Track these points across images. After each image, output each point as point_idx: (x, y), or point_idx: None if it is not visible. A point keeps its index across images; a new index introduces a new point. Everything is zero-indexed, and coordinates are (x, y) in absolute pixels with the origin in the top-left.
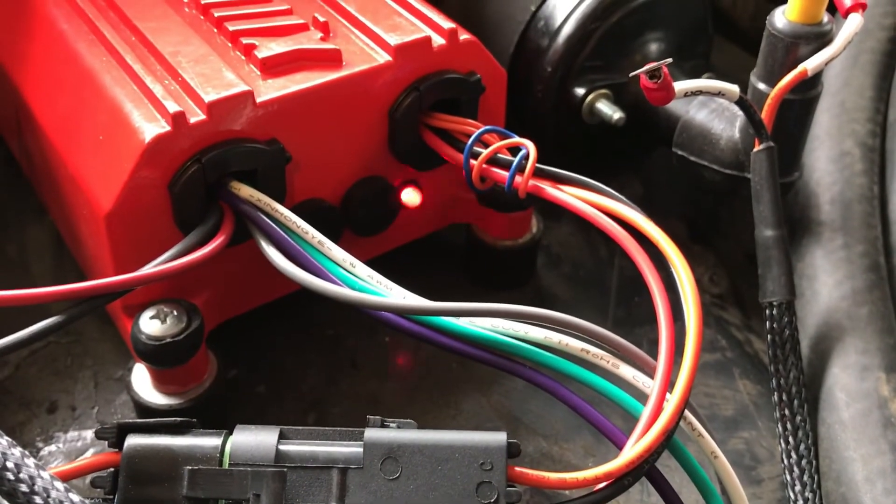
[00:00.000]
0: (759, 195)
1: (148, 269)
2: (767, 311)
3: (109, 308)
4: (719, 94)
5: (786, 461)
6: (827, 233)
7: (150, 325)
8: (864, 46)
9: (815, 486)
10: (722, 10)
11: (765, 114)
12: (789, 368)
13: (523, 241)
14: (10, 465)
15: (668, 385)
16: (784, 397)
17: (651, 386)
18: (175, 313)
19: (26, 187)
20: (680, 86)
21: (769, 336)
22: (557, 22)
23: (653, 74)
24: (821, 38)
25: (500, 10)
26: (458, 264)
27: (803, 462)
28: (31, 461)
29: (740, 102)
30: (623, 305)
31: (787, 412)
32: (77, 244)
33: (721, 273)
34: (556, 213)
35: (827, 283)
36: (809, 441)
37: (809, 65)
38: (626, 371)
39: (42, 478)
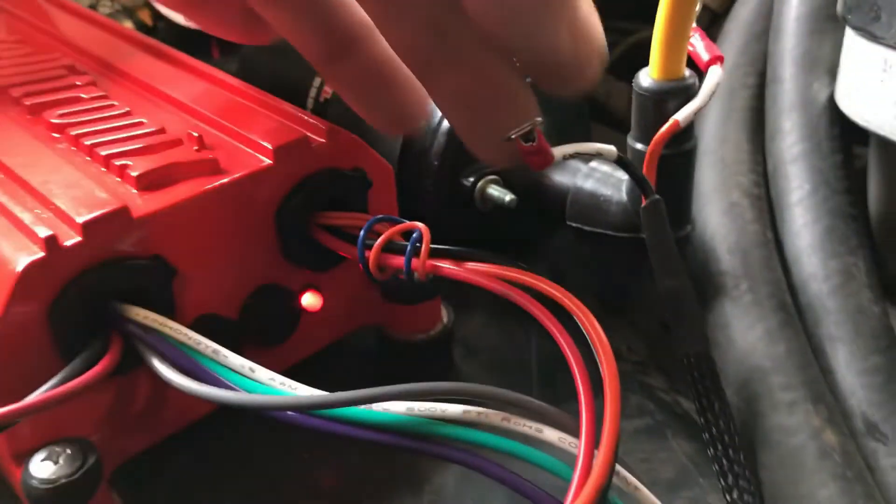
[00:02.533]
0: (655, 248)
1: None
2: (685, 362)
3: None
4: (598, 154)
5: None
6: (730, 281)
7: (42, 467)
8: (733, 105)
9: None
10: (598, 103)
11: (644, 169)
12: (718, 416)
13: (436, 333)
14: None
15: (594, 439)
16: (719, 447)
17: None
18: (69, 452)
19: None
20: (558, 150)
21: (693, 388)
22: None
23: (527, 137)
24: (685, 92)
25: None
26: (371, 369)
27: None
28: None
29: (619, 161)
30: (546, 384)
31: (724, 462)
32: None
33: (638, 343)
34: (468, 306)
35: (739, 328)
36: (752, 488)
37: (680, 115)
38: (551, 434)
39: None
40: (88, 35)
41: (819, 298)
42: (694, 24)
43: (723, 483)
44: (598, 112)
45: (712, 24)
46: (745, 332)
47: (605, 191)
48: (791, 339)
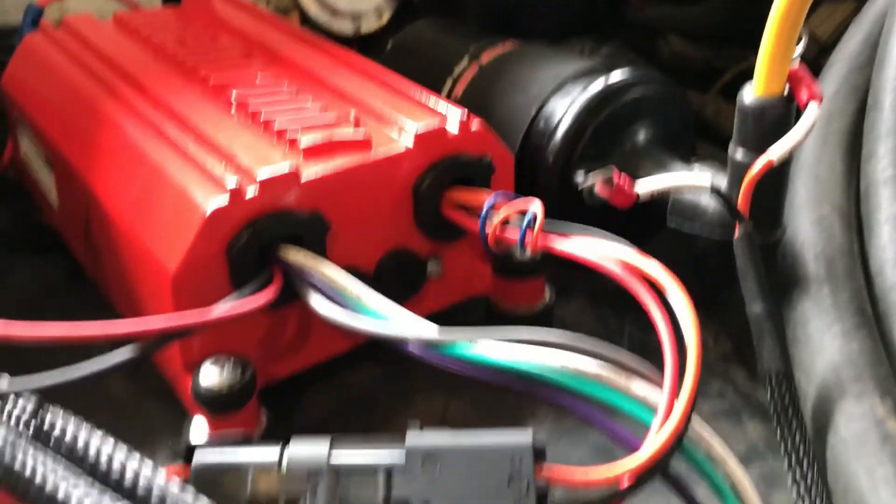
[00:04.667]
0: (745, 275)
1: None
2: (768, 380)
3: (170, 372)
4: (691, 187)
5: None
6: (814, 285)
7: (210, 374)
8: (831, 128)
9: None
10: (706, 121)
11: (741, 202)
12: (794, 432)
13: (538, 309)
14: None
15: (676, 392)
16: (794, 458)
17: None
18: (232, 363)
19: (92, 291)
20: (644, 187)
21: (772, 404)
22: (555, 120)
23: (607, 180)
24: (784, 107)
25: (506, 113)
26: None
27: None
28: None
29: (713, 191)
30: None
31: (797, 474)
32: None
33: (724, 337)
34: (567, 291)
35: (818, 326)
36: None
37: (774, 155)
38: (639, 387)
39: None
40: (258, 28)
41: None
42: (799, 60)
43: (794, 494)
44: (705, 129)
45: (820, 55)
46: (823, 331)
47: (704, 196)
48: (865, 339)
